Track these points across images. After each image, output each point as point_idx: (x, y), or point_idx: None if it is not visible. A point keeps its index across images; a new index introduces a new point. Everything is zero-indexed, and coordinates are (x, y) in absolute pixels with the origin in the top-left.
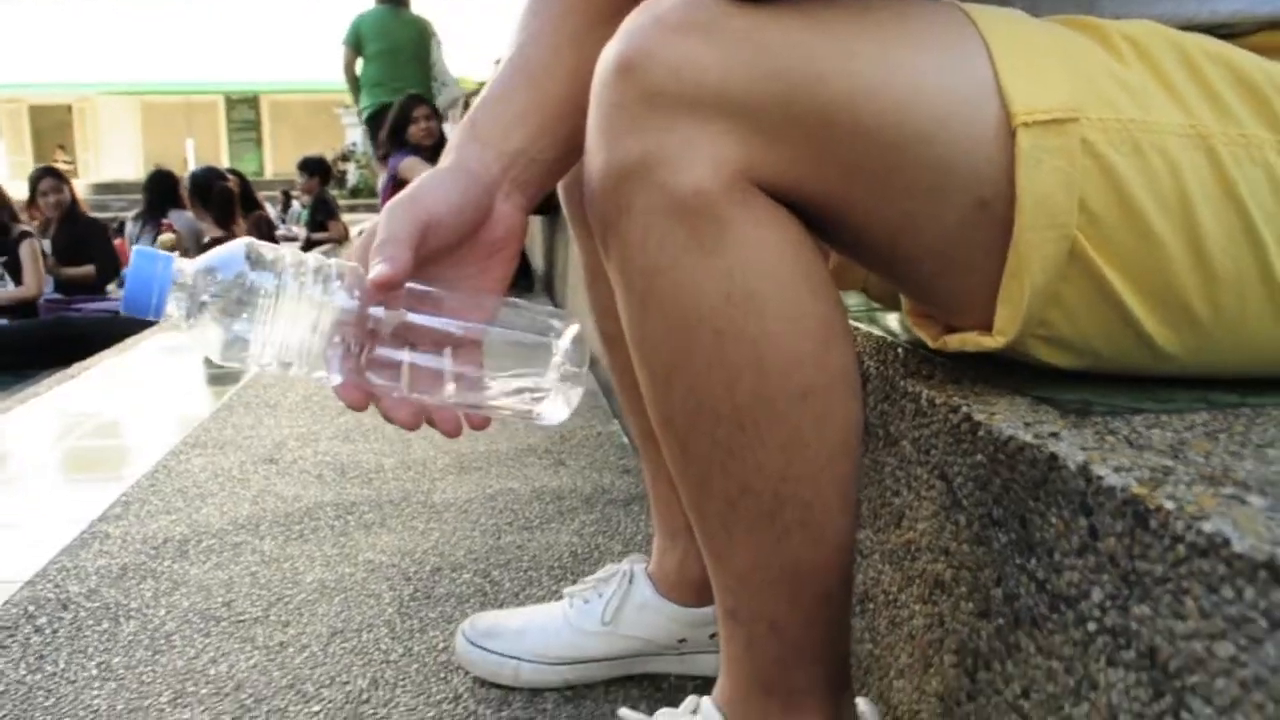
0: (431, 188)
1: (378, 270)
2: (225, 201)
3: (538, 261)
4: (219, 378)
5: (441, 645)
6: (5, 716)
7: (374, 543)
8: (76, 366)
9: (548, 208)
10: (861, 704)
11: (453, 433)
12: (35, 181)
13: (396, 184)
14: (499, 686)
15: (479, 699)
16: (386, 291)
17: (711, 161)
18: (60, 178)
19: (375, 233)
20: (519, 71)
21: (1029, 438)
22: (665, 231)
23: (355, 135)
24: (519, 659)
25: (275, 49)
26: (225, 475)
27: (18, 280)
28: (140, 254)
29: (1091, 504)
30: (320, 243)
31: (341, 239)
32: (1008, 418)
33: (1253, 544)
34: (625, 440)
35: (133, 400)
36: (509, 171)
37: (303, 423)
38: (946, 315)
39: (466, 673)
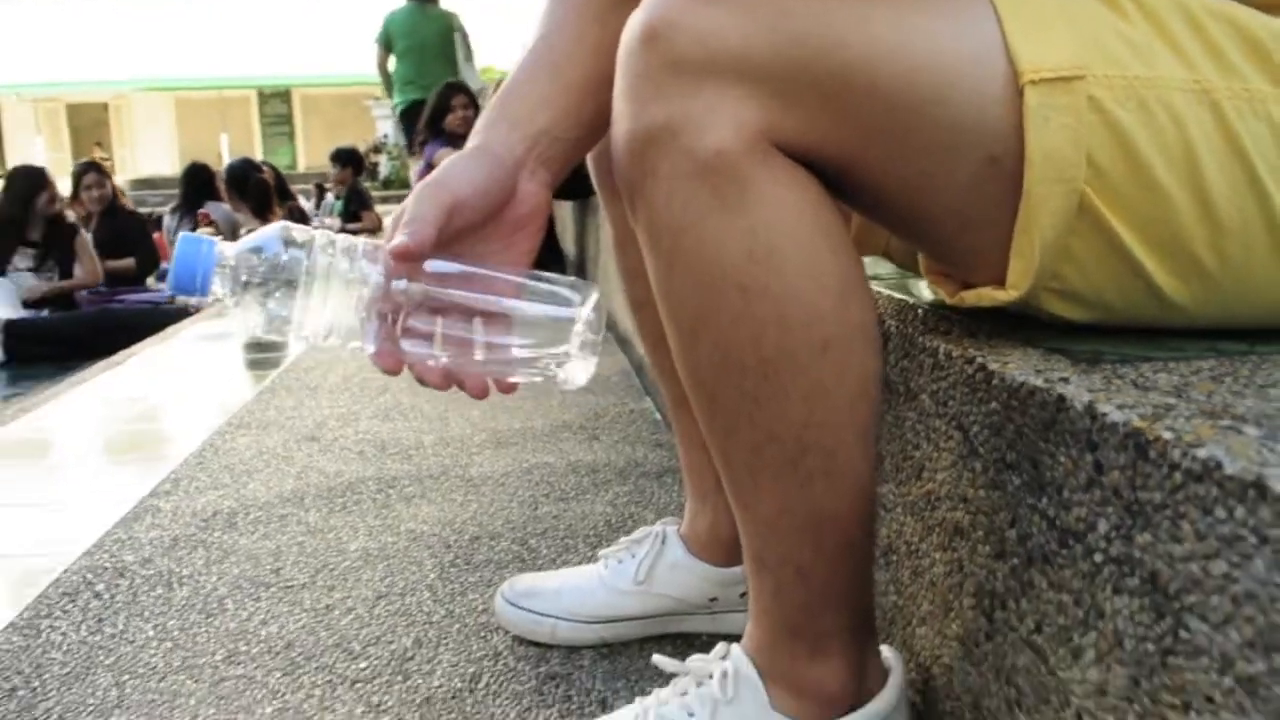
0: (457, 171)
1: (396, 241)
2: (261, 193)
3: (569, 247)
4: (260, 363)
5: (481, 607)
6: (68, 674)
7: (415, 514)
8: (121, 354)
9: (578, 193)
10: (886, 652)
11: (480, 395)
12: (79, 176)
13: (428, 172)
14: (537, 644)
15: (518, 656)
16: (405, 262)
17: (733, 124)
18: (102, 172)
19: (404, 212)
20: (543, 54)
21: (1040, 383)
22: (690, 192)
23: (386, 127)
24: (556, 617)
25: (306, 43)
26: (270, 453)
27: (65, 273)
28: (185, 238)
29: (1097, 440)
30: (354, 233)
31: (375, 229)
32: (1020, 366)
33: (1244, 466)
34: (658, 416)
35: (176, 385)
36: (533, 151)
37: (343, 403)
38: (962, 272)
39: (506, 632)
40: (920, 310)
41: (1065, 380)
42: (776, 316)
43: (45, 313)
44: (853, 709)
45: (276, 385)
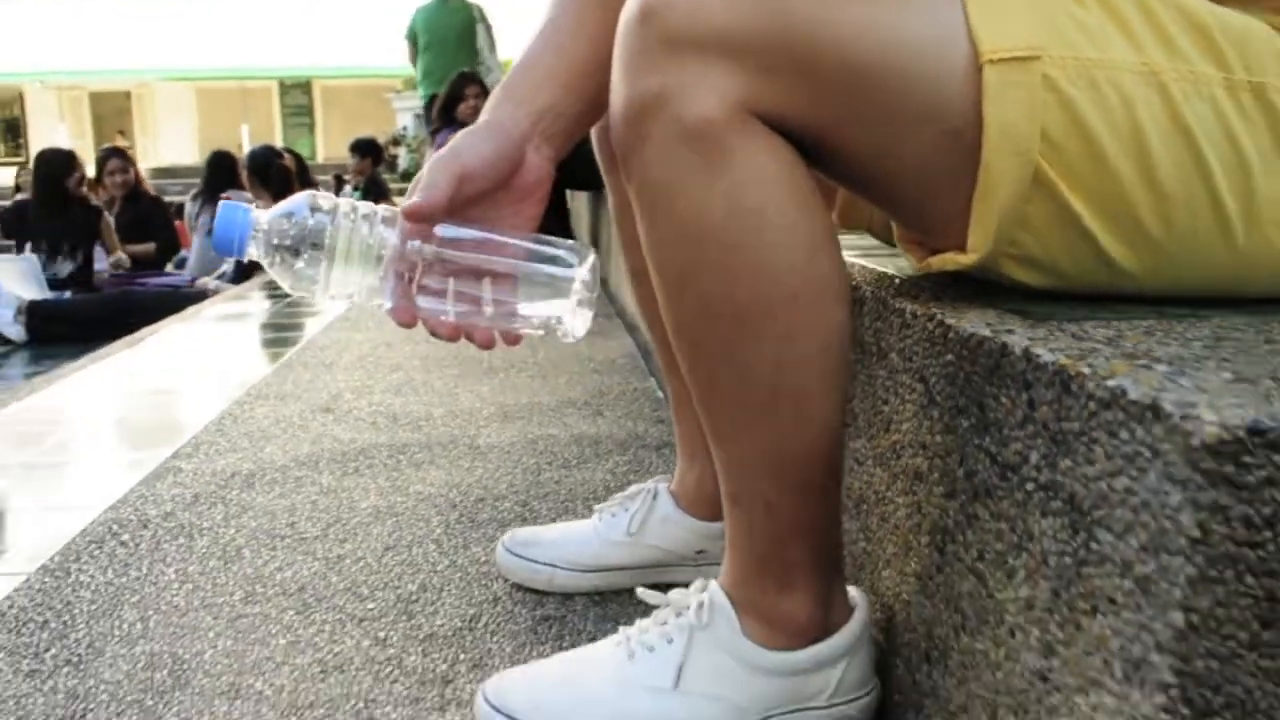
0: (468, 144)
1: (408, 202)
2: (283, 179)
3: (583, 237)
4: (277, 341)
5: (483, 559)
6: (96, 610)
7: (423, 477)
8: (143, 331)
9: (592, 184)
10: (852, 591)
11: (487, 345)
12: (103, 161)
13: None
14: (534, 591)
15: (516, 600)
16: (417, 221)
17: (717, 95)
18: (126, 158)
19: (419, 181)
20: (549, 37)
21: (988, 333)
22: (678, 156)
23: (406, 120)
24: (554, 566)
25: (328, 35)
26: (286, 422)
27: (88, 255)
28: (225, 205)
29: (1030, 380)
30: None
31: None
32: (974, 321)
33: (1144, 391)
34: (659, 395)
35: (196, 361)
36: (538, 126)
37: (357, 379)
38: (930, 238)
39: (506, 580)
40: (896, 279)
41: (1010, 332)
42: (752, 268)
43: (67, 294)
44: (818, 640)
45: (293, 361)
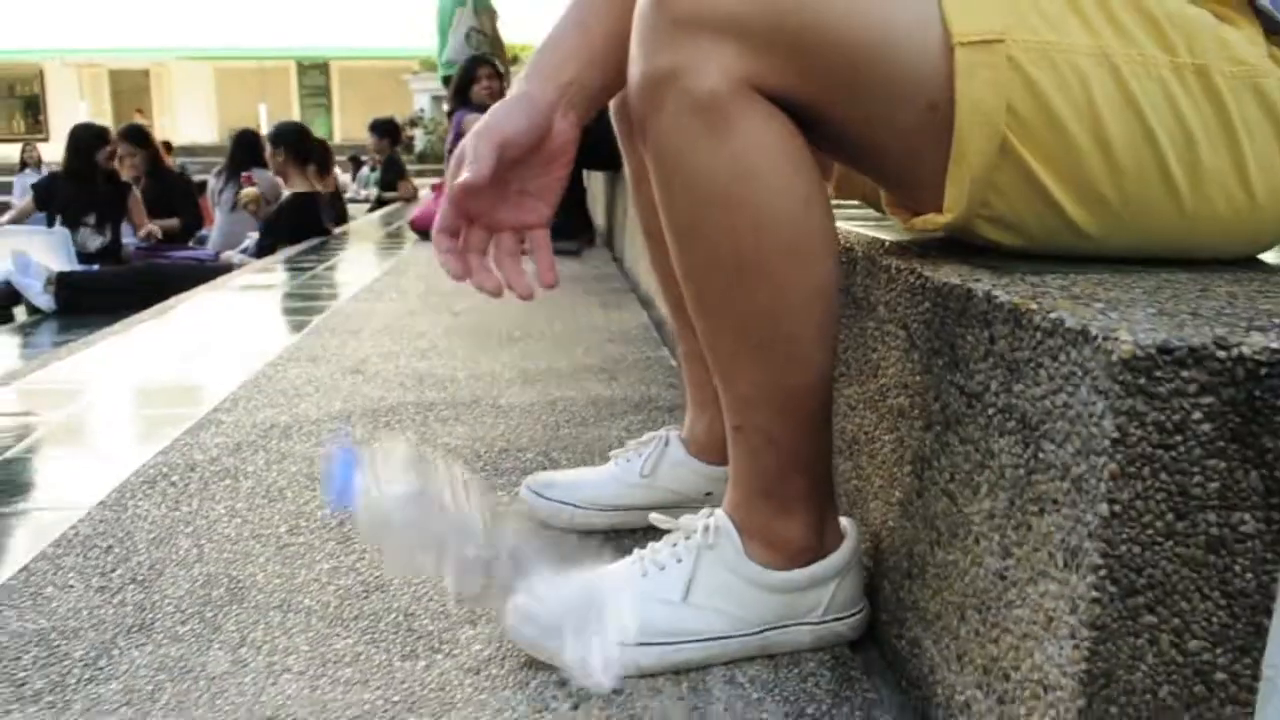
0: (503, 115)
1: (462, 178)
2: (325, 152)
3: (599, 219)
4: (303, 310)
5: (507, 502)
6: (154, 538)
7: (449, 432)
8: (171, 300)
9: (608, 165)
10: (844, 521)
11: (526, 296)
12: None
13: (458, 137)
14: (553, 529)
15: (538, 536)
16: (471, 194)
17: (722, 71)
18: (137, 141)
19: (465, 154)
20: (573, 16)
21: (958, 282)
22: (687, 124)
23: (423, 101)
24: (574, 505)
25: (346, 16)
26: (318, 381)
27: (116, 229)
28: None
29: (992, 318)
30: (390, 201)
31: (410, 198)
32: (948, 273)
33: (1078, 320)
34: (673, 364)
35: (226, 327)
36: (564, 96)
37: (383, 344)
38: (912, 202)
39: (529, 520)
40: (885, 241)
41: (978, 280)
42: (752, 223)
43: (96, 266)
44: (812, 562)
45: (320, 328)
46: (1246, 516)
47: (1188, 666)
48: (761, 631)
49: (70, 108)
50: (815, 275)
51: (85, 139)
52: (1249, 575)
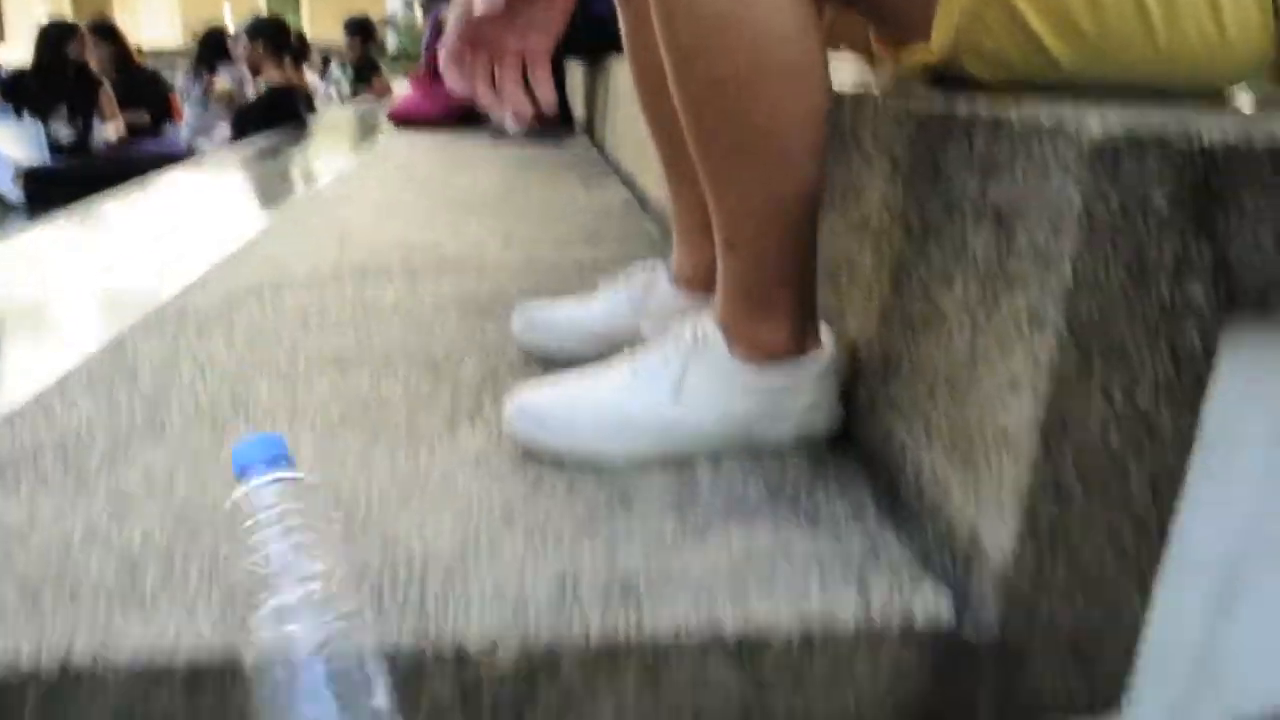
0: None
1: (478, 8)
2: (302, 44)
3: (579, 109)
4: (285, 190)
5: (499, 335)
6: (158, 367)
7: (437, 285)
8: (149, 176)
9: (588, 49)
10: (824, 330)
11: (524, 114)
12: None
13: (437, 32)
14: (547, 359)
15: (529, 362)
16: (484, 21)
17: None
18: (98, 37)
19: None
20: None
21: (943, 105)
22: None
23: (394, 4)
24: (562, 336)
25: None
26: (305, 248)
27: (87, 122)
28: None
29: (973, 130)
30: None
31: (381, 95)
32: (933, 100)
33: (1052, 116)
34: (655, 236)
35: (205, 204)
36: None
37: (369, 215)
38: (902, 36)
39: (520, 350)
40: (871, 80)
41: (958, 104)
42: (750, 42)
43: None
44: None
45: (304, 203)
46: (1197, 285)
47: (1137, 419)
48: (746, 426)
49: (27, 7)
50: (809, 96)
51: (55, 33)
52: (1196, 337)
